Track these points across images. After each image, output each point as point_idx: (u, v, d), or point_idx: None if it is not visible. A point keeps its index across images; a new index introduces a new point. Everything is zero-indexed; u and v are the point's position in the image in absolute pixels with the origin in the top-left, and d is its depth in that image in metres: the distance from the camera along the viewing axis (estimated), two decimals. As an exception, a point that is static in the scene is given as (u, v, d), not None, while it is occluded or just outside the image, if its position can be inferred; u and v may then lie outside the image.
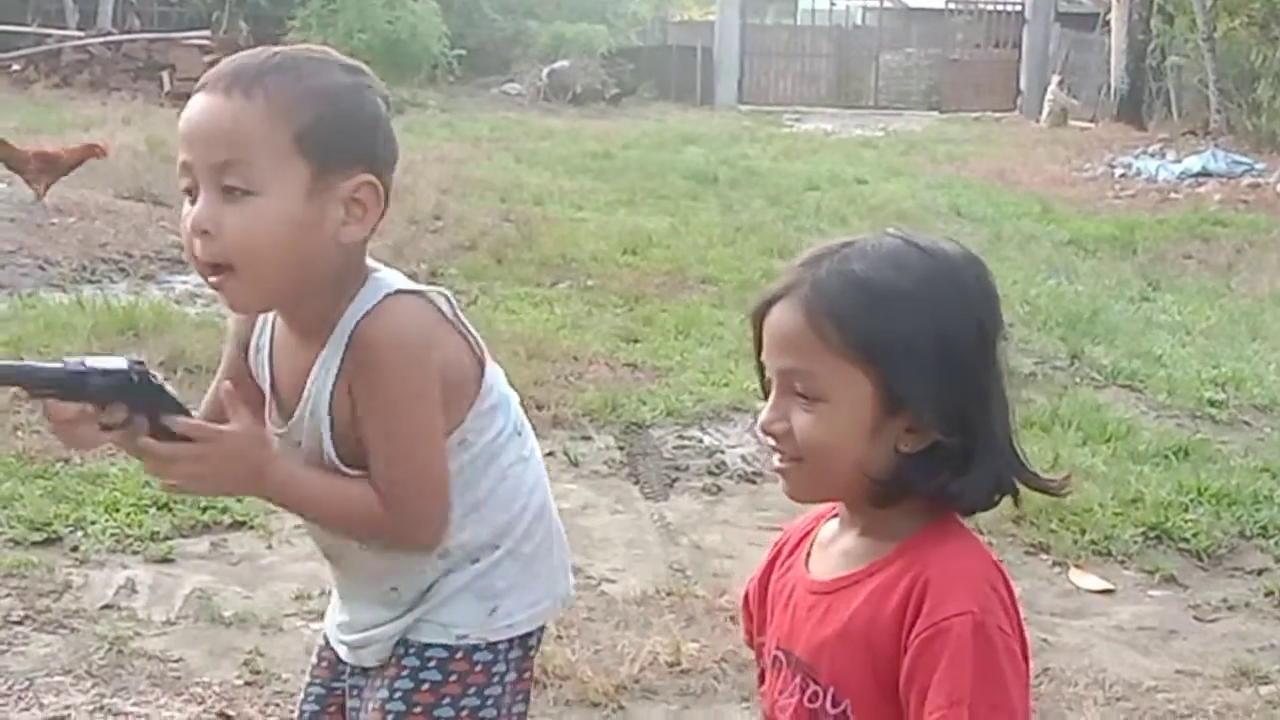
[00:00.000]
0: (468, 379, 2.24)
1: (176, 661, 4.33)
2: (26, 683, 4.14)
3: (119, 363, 2.04)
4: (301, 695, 2.50)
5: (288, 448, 2.19)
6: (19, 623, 4.49)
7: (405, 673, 2.28)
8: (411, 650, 2.28)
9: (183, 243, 2.13)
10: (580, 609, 4.79)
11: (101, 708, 4.04)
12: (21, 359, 2.11)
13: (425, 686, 2.27)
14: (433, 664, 2.27)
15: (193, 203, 2.08)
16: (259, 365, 2.28)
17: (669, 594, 4.94)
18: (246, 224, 2.04)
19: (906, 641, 1.77)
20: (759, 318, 1.88)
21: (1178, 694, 4.40)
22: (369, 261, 2.19)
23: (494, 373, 2.29)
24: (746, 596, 2.10)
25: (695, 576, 5.12)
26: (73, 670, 4.23)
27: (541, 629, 2.38)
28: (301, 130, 2.05)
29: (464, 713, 2.27)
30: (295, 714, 2.53)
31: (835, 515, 1.94)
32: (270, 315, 2.26)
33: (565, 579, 2.45)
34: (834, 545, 1.93)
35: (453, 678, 2.27)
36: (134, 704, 4.08)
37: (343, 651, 2.39)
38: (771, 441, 1.87)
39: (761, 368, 1.88)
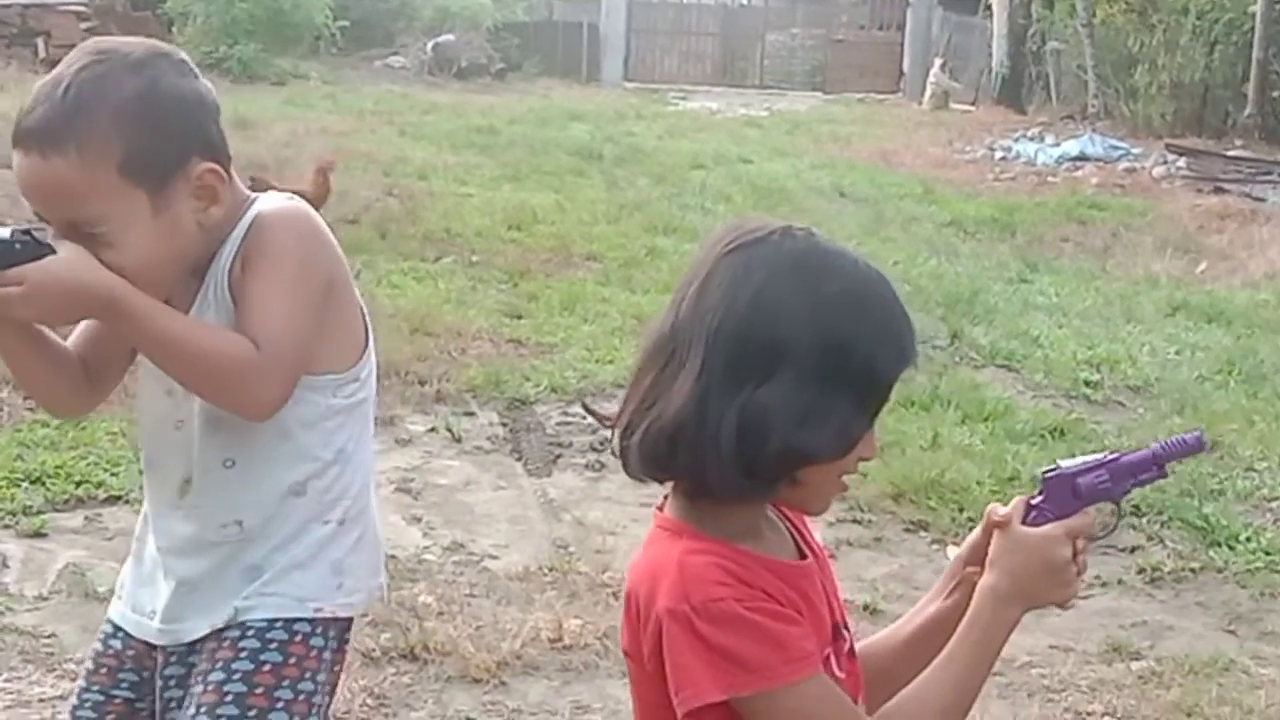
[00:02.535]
0: (357, 314, 2.35)
1: (49, 637, 4.26)
2: (-107, 659, 4.06)
3: (3, 233, 2.08)
4: (75, 702, 2.45)
5: None
6: (-115, 598, 4.41)
7: (244, 654, 2.27)
8: (250, 632, 2.28)
9: None
10: (462, 585, 4.78)
11: (-29, 684, 3.97)
12: None
13: (266, 668, 2.27)
14: (273, 646, 2.28)
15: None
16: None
17: (551, 570, 4.94)
18: (117, 259, 2.14)
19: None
20: None
21: (1051, 669, 4.47)
22: (244, 189, 2.29)
23: (372, 334, 2.40)
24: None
25: (578, 553, 5.12)
26: (-58, 647, 4.15)
27: (350, 624, 2.41)
28: (121, 163, 2.12)
29: (300, 696, 2.29)
30: (66, 719, 2.48)
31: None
32: None
33: (379, 575, 2.47)
34: (770, 539, 1.91)
35: (291, 660, 2.29)
36: (5, 680, 4.02)
37: (154, 634, 2.36)
38: None
39: None
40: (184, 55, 2.25)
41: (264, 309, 2.17)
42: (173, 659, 2.34)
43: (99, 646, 2.46)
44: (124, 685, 2.40)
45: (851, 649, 1.97)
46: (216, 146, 2.22)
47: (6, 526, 4.98)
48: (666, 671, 1.79)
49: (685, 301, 1.83)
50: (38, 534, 4.95)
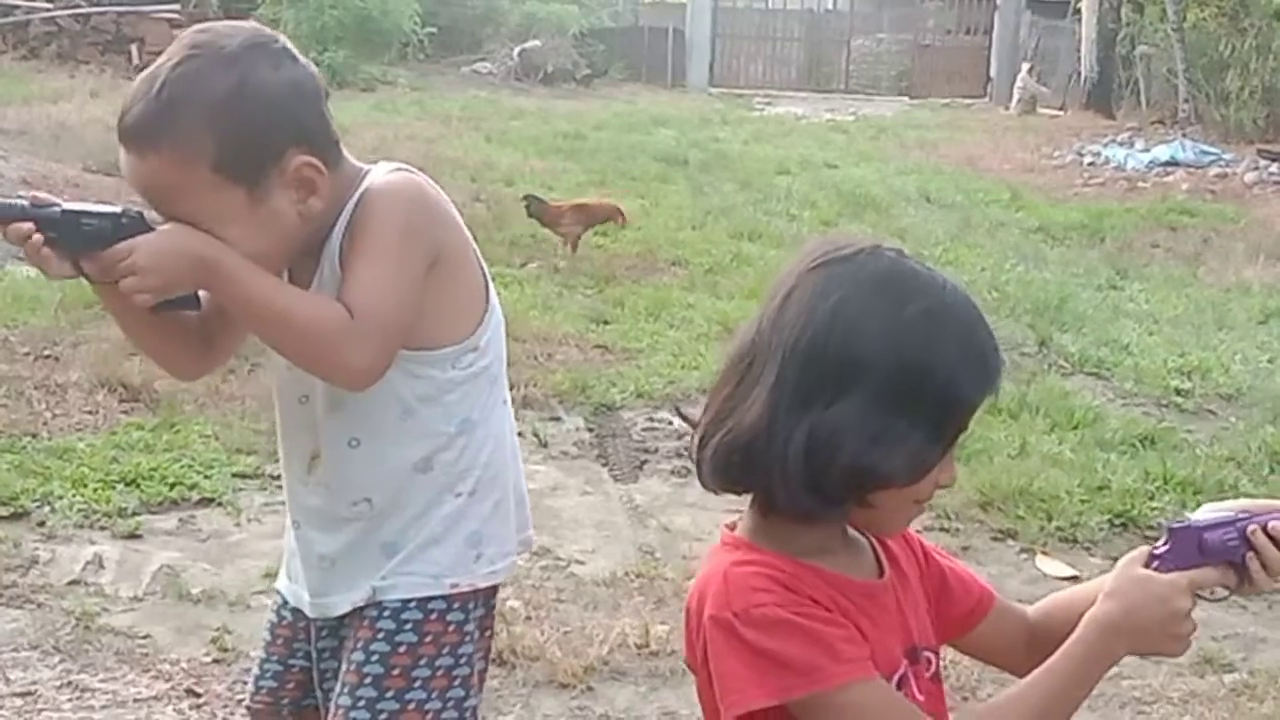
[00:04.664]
0: (477, 280, 2.34)
1: (144, 638, 4.32)
2: (-7, 658, 4.13)
3: (112, 208, 2.17)
4: (257, 672, 2.52)
5: None
6: (-15, 597, 4.48)
7: (380, 635, 2.31)
8: (387, 613, 2.32)
9: None
10: (549, 590, 4.80)
11: (69, 683, 4.03)
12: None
13: (402, 649, 2.31)
14: (409, 626, 2.31)
15: None
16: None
17: (638, 576, 4.95)
18: None
19: (930, 560, 2.03)
20: None
21: (1142, 681, 4.43)
22: (356, 163, 2.30)
23: (495, 296, 2.39)
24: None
25: (664, 558, 5.13)
26: (40, 646, 4.22)
27: (497, 588, 2.43)
28: (215, 161, 2.13)
29: (439, 672, 2.32)
30: (250, 689, 2.54)
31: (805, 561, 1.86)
32: None
33: (525, 530, 2.50)
34: (842, 557, 1.90)
35: (428, 639, 2.32)
36: (101, 680, 4.07)
37: (307, 607, 2.41)
38: None
39: None
40: (284, 42, 2.25)
41: (361, 278, 2.18)
42: (324, 632, 2.41)
43: (273, 618, 2.52)
44: (300, 655, 2.46)
45: (936, 673, 1.96)
46: (314, 136, 2.21)
47: (102, 528, 5.05)
48: (713, 678, 1.80)
49: (767, 315, 1.83)
50: (132, 535, 5.02)
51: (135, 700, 3.99)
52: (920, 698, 1.88)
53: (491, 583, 2.39)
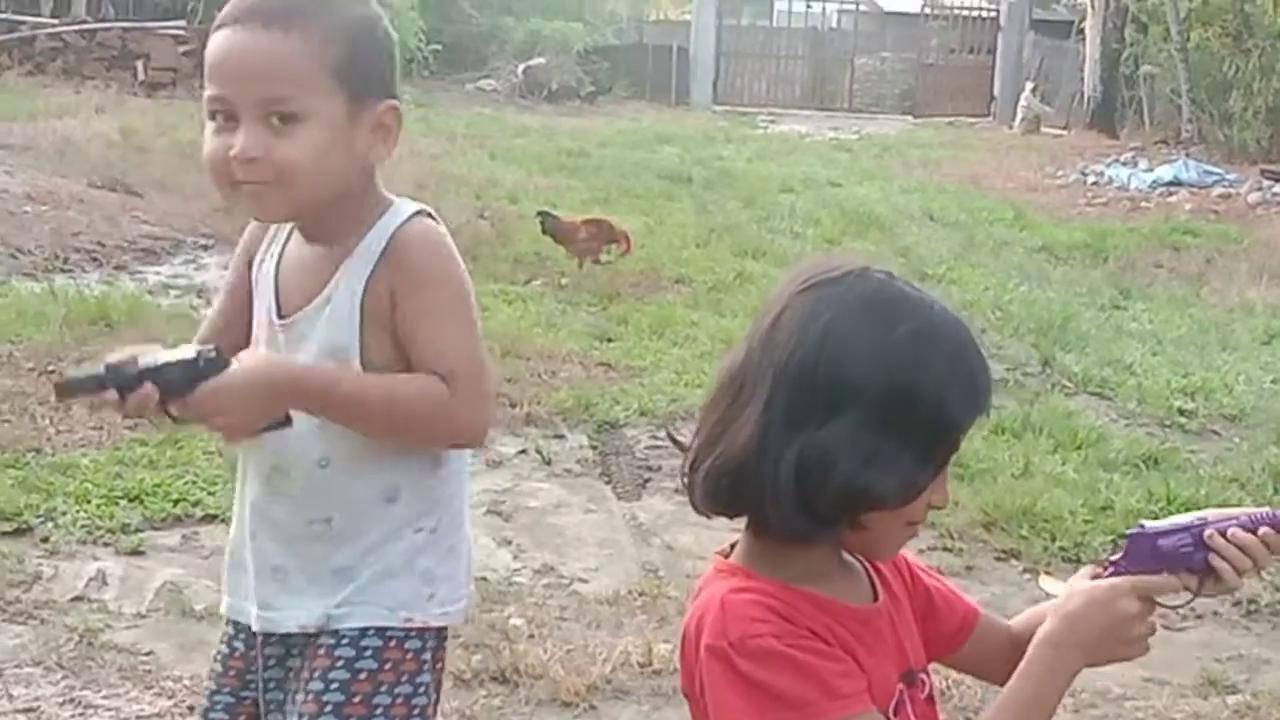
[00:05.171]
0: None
1: (147, 655, 4.31)
2: (-4, 674, 4.12)
3: (187, 354, 2.14)
4: (206, 704, 2.47)
5: (294, 341, 2.29)
6: (-12, 613, 4.48)
7: (340, 663, 2.29)
8: (345, 641, 2.30)
9: (208, 165, 2.23)
10: (553, 608, 4.80)
11: (71, 700, 4.03)
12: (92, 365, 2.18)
13: (362, 676, 2.29)
14: (369, 653, 2.30)
15: (217, 131, 2.20)
16: (262, 274, 2.38)
17: (641, 594, 4.94)
18: (293, 151, 2.18)
19: (916, 580, 2.02)
20: None
21: (1146, 702, 4.42)
22: (384, 193, 2.34)
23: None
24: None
25: (668, 577, 5.12)
26: (43, 662, 4.21)
27: (447, 628, 2.43)
28: (338, 64, 2.19)
29: (399, 700, 2.31)
30: None
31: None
32: (284, 230, 2.37)
33: (469, 586, 2.47)
34: (838, 582, 1.90)
35: (388, 665, 2.30)
36: (104, 697, 4.06)
37: (253, 620, 2.37)
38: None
39: None
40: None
41: (443, 342, 2.23)
42: (271, 661, 2.37)
43: (224, 649, 2.47)
44: (253, 687, 2.42)
45: (931, 695, 1.95)
46: (398, 98, 2.31)
47: (106, 544, 5.05)
48: (709, 708, 1.79)
49: (757, 337, 1.83)
50: (136, 552, 5.01)
51: (138, 717, 3.98)
52: None
53: (443, 623, 2.38)
